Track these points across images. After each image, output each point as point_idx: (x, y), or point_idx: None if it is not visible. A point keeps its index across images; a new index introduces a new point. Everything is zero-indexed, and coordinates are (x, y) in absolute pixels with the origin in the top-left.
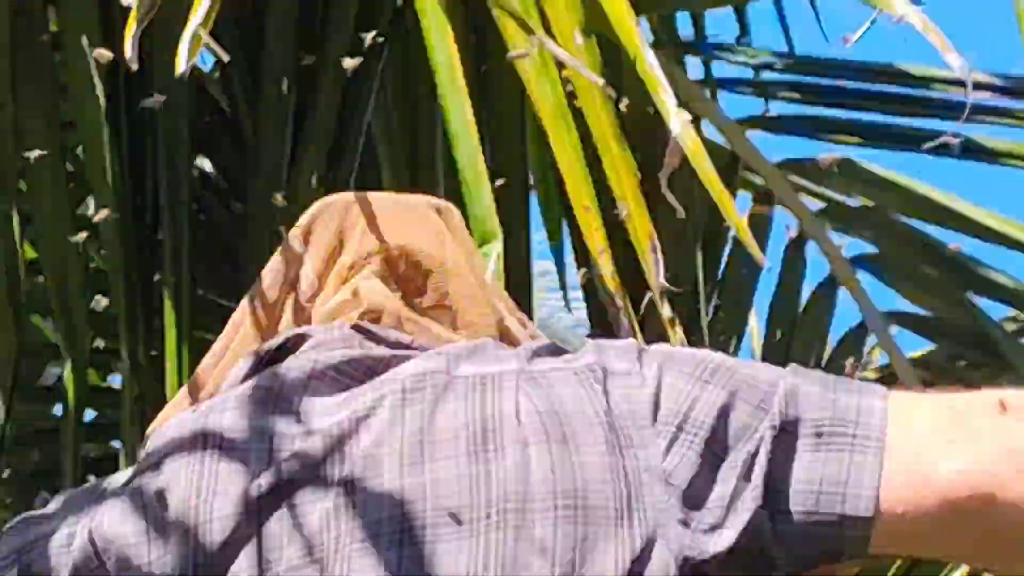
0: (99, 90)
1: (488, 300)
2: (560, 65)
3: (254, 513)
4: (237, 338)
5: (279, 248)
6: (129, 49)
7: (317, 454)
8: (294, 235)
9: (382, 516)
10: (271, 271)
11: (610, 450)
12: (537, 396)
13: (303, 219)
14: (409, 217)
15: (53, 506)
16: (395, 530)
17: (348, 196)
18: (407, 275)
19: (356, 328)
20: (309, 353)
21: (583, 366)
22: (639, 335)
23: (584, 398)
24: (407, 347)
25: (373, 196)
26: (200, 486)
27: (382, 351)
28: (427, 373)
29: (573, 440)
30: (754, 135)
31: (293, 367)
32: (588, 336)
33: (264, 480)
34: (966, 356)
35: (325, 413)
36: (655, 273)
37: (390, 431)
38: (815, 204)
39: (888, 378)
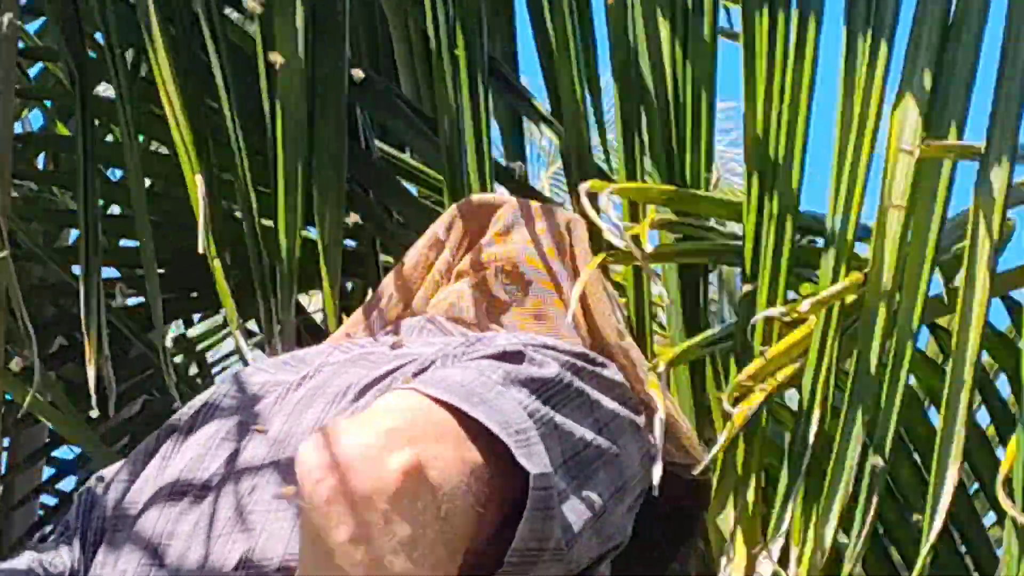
0: None
1: (583, 317)
2: None
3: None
4: (384, 300)
5: (426, 233)
6: None
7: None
8: (441, 224)
9: (264, 453)
10: (418, 251)
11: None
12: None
13: (451, 211)
14: (536, 228)
15: None
16: (270, 461)
17: (488, 199)
18: (513, 283)
19: (429, 320)
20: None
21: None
22: None
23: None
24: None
25: (510, 203)
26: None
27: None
28: (376, 351)
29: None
30: None
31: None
32: None
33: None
34: None
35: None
36: None
37: (312, 385)
38: None
39: None
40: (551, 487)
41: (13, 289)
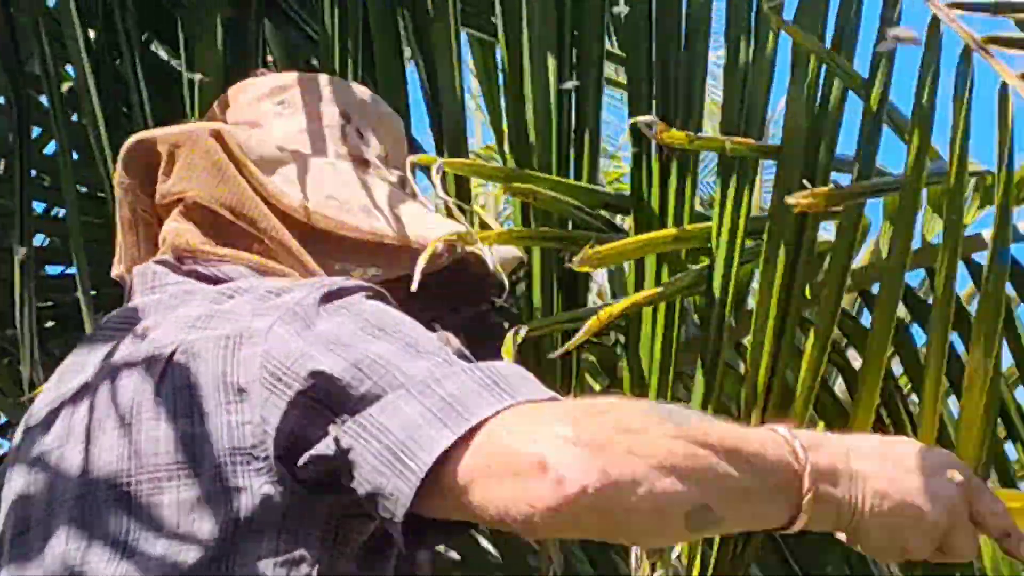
0: None
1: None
2: None
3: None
4: (116, 263)
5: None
6: None
7: None
8: (118, 176)
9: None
10: (120, 207)
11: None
12: None
13: (120, 160)
14: (206, 161)
15: None
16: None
17: (145, 136)
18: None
19: (159, 262)
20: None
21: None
22: None
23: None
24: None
25: (162, 137)
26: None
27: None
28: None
29: None
30: None
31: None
32: None
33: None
34: None
35: None
36: None
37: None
38: None
39: None
40: None
41: None
